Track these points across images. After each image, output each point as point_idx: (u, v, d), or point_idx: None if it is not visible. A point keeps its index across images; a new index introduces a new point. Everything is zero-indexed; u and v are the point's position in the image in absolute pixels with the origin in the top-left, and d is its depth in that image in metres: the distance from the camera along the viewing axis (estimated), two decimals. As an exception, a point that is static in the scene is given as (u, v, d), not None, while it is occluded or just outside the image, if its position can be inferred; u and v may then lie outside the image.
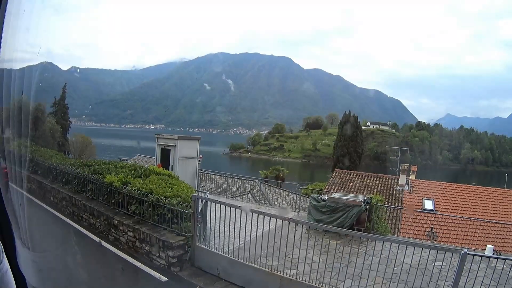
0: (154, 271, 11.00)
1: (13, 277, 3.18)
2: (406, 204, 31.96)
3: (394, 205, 31.35)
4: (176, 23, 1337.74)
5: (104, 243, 13.72)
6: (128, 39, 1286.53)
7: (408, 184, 34.56)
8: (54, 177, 18.84)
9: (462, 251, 8.01)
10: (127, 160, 36.81)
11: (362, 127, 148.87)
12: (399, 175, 35.75)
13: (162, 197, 12.32)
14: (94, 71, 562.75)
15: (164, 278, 10.83)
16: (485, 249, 13.94)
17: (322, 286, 9.36)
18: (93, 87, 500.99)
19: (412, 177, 36.26)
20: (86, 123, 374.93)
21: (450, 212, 30.51)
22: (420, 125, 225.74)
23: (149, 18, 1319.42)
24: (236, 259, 10.66)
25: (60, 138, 69.61)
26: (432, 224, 27.21)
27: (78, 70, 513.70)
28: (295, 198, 26.12)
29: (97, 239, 13.76)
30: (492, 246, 14.15)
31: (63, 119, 78.09)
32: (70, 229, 14.50)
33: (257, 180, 31.69)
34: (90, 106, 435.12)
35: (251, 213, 10.37)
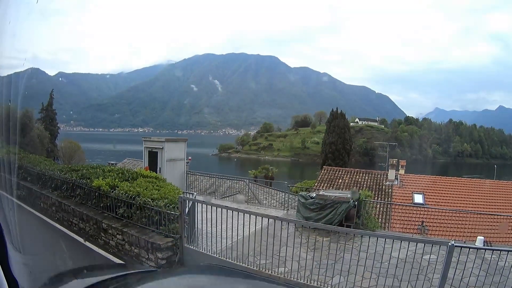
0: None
1: (5, 280, 3.21)
2: (395, 199, 32.05)
3: (384, 200, 31.41)
4: (162, 25, 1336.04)
5: (88, 244, 13.76)
6: (115, 42, 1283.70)
7: (397, 179, 34.63)
8: (43, 183, 18.79)
9: (449, 243, 8.05)
10: (115, 164, 36.74)
11: (351, 123, 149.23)
12: (388, 170, 35.81)
13: (150, 200, 12.30)
14: (81, 75, 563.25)
15: (153, 280, 10.75)
16: (475, 241, 14.03)
17: (311, 282, 9.38)
18: (81, 92, 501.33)
19: (401, 171, 36.32)
20: (75, 128, 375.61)
21: (441, 205, 30.59)
22: (409, 120, 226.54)
23: (135, 21, 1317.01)
24: (225, 259, 10.65)
25: (49, 144, 69.35)
26: (422, 217, 27.29)
27: (65, 77, 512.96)
28: (284, 196, 26.14)
29: (81, 239, 13.79)
30: (483, 237, 14.25)
31: (51, 125, 77.83)
32: (59, 233, 14.45)
33: (246, 180, 31.70)
34: (72, 112, 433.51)
35: (241, 212, 10.41)
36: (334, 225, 14.39)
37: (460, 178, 40.05)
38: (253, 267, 10.14)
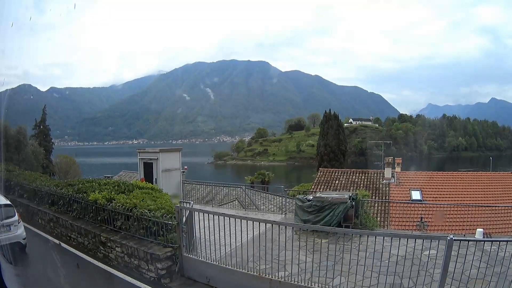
0: (144, 285, 10.92)
1: None
2: (393, 197, 32.09)
3: (381, 199, 31.43)
4: (152, 36, 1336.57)
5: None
6: (105, 55, 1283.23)
7: (394, 177, 34.65)
8: (40, 199, 18.78)
9: (448, 237, 8.05)
10: (112, 177, 36.64)
11: (345, 124, 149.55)
12: (384, 169, 35.83)
13: (146, 211, 12.27)
14: (73, 90, 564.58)
15: (154, 291, 10.75)
16: (475, 233, 14.03)
17: (312, 285, 9.36)
18: (73, 106, 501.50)
19: (398, 169, 36.33)
20: (69, 143, 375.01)
21: (439, 200, 30.68)
22: (403, 118, 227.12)
23: (125, 33, 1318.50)
24: (225, 266, 10.63)
25: (44, 160, 69.01)
26: (421, 214, 27.29)
27: (57, 92, 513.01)
28: (281, 200, 26.06)
29: (77, 251, 13.82)
30: (482, 230, 14.24)
31: (46, 141, 77.50)
32: (58, 249, 14.39)
33: (243, 186, 31.61)
34: (65, 126, 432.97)
35: (239, 218, 10.40)
36: (332, 226, 14.39)
37: (457, 172, 40.18)
38: (253, 272, 10.12)
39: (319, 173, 40.03)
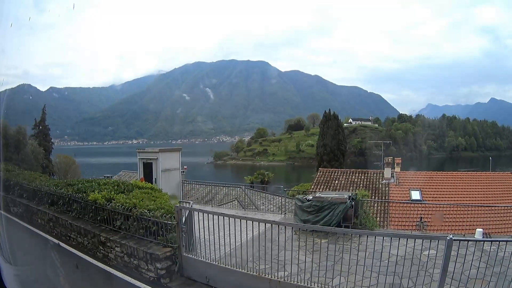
0: (144, 284, 10.88)
1: None
2: (392, 197, 32.08)
3: (381, 199, 31.41)
4: (152, 36, 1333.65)
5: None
6: (105, 55, 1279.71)
7: (393, 177, 34.63)
8: (40, 199, 18.69)
9: (448, 237, 8.04)
10: (111, 177, 36.62)
11: (344, 124, 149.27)
12: (384, 169, 35.80)
13: (146, 211, 12.23)
14: (73, 90, 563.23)
15: (154, 291, 10.72)
16: (474, 233, 14.02)
17: (312, 285, 9.34)
18: (73, 106, 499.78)
19: (397, 169, 36.31)
20: (69, 143, 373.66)
21: (439, 200, 30.68)
22: (402, 118, 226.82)
23: (125, 33, 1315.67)
24: (224, 265, 10.61)
25: (44, 160, 69.09)
26: (421, 214, 27.29)
27: (57, 92, 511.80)
28: (281, 200, 26.04)
29: (77, 251, 13.81)
30: (481, 230, 14.24)
31: (45, 141, 77.54)
32: (58, 249, 14.35)
33: (242, 186, 31.58)
34: (65, 126, 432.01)
35: (238, 218, 10.39)
36: (332, 226, 14.39)
37: (456, 172, 40.22)
38: (253, 272, 10.10)
39: (318, 173, 40.00)
